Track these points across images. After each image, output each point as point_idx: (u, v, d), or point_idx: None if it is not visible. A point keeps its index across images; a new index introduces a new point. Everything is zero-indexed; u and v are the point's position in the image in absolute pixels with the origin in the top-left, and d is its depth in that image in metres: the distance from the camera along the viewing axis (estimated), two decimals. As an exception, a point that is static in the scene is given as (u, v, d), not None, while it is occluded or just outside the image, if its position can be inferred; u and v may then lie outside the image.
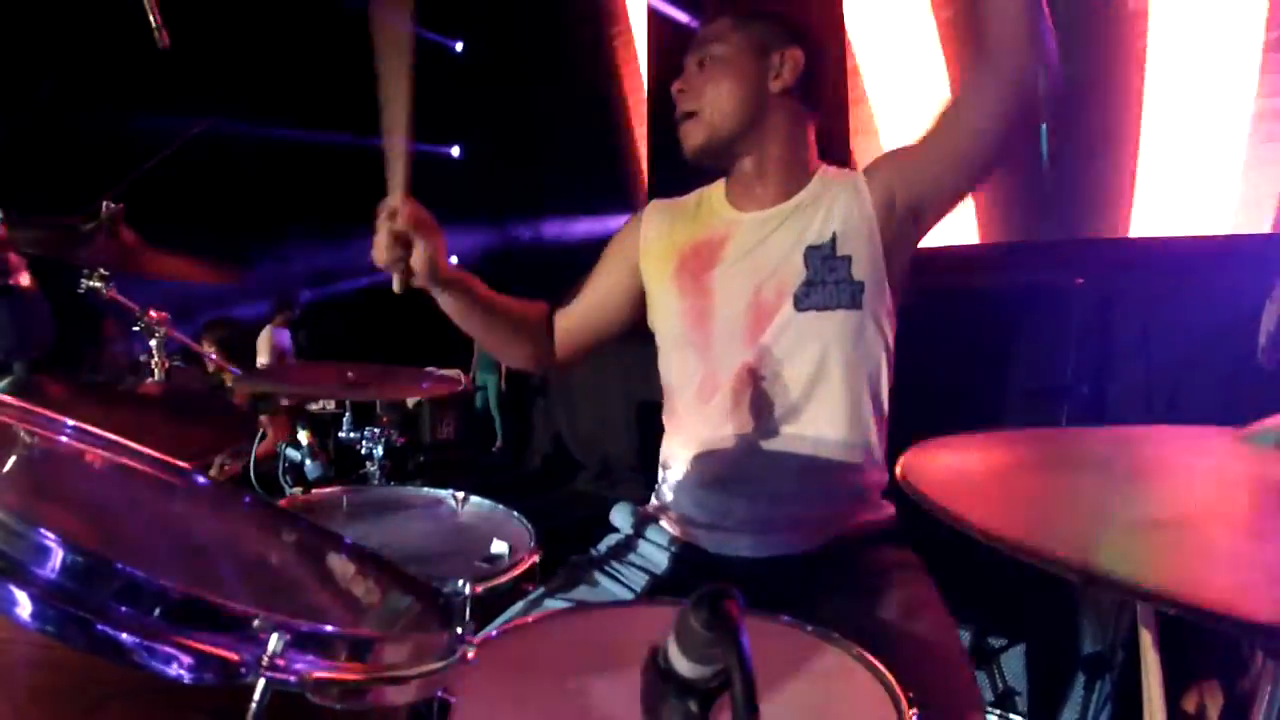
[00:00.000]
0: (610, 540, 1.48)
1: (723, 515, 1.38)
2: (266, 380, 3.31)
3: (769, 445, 1.37)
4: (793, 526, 1.36)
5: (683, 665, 0.61)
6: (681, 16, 4.80)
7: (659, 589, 1.36)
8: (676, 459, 1.46)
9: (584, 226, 6.42)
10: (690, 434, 1.43)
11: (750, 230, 1.42)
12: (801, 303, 1.34)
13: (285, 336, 6.06)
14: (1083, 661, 2.28)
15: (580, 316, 1.56)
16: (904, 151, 1.38)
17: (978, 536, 0.52)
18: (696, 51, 1.43)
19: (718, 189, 1.52)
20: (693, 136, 1.42)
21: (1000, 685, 2.29)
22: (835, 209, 1.38)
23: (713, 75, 1.40)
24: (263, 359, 5.77)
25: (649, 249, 1.51)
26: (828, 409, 1.35)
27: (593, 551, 1.46)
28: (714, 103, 1.40)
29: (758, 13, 1.44)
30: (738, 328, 1.38)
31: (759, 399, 1.37)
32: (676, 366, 1.47)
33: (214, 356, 2.99)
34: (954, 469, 0.75)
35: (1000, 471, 0.76)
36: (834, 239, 1.35)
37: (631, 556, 1.42)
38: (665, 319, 1.48)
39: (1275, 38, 2.61)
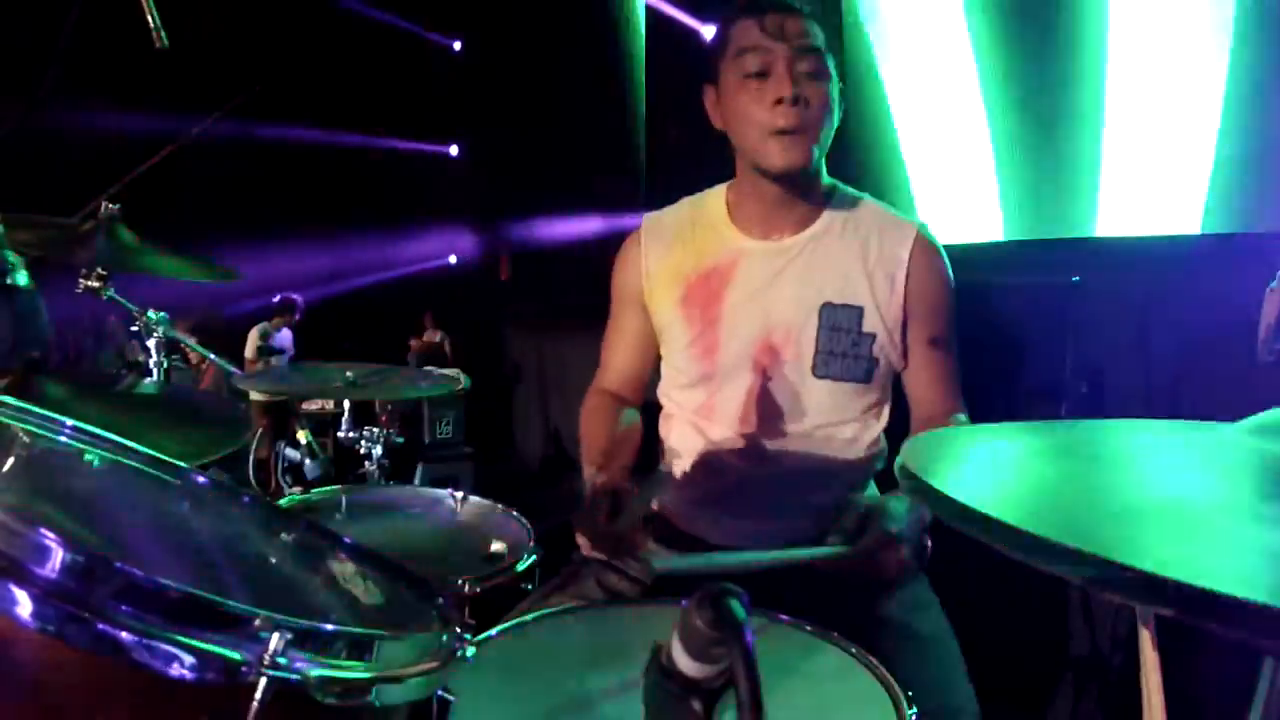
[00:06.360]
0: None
1: (722, 514, 1.41)
2: (267, 380, 3.31)
3: (766, 470, 1.39)
4: (790, 533, 1.37)
5: (686, 664, 0.61)
6: (681, 15, 4.80)
7: (663, 583, 1.36)
8: (676, 465, 1.46)
9: (584, 225, 6.42)
10: (688, 449, 1.44)
11: (760, 263, 1.38)
12: (819, 370, 1.35)
13: (288, 337, 6.14)
14: (1079, 661, 2.28)
15: (630, 373, 1.53)
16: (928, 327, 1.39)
17: (980, 532, 0.52)
18: (804, 58, 1.26)
19: (716, 204, 1.44)
20: (800, 154, 1.28)
21: (995, 685, 2.29)
22: (865, 267, 1.35)
23: (827, 96, 1.28)
24: (248, 353, 5.89)
25: (652, 278, 1.45)
26: (827, 447, 1.38)
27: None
28: (826, 126, 1.30)
29: (831, 26, 1.33)
30: (744, 366, 1.37)
31: (760, 434, 1.38)
32: (680, 391, 1.46)
33: (195, 346, 2.94)
34: (952, 462, 0.75)
35: (1000, 463, 0.76)
36: (862, 313, 1.34)
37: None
38: (672, 349, 1.45)
39: None
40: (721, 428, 1.40)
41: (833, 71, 1.30)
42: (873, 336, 1.34)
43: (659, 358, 1.51)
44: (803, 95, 1.25)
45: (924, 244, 1.38)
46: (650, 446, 1.58)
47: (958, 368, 1.43)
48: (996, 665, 2.30)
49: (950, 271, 1.42)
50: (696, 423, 1.43)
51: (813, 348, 1.34)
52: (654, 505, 1.50)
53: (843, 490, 1.40)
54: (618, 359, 1.53)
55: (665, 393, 1.50)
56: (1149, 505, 0.60)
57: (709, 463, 1.41)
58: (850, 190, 1.43)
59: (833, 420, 1.37)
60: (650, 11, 4.99)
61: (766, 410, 1.37)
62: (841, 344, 1.34)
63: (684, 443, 1.45)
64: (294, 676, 0.58)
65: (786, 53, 1.26)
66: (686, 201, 1.50)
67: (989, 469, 0.71)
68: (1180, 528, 0.54)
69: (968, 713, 1.18)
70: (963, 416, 1.42)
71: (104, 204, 1.87)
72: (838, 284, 1.35)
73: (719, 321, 1.38)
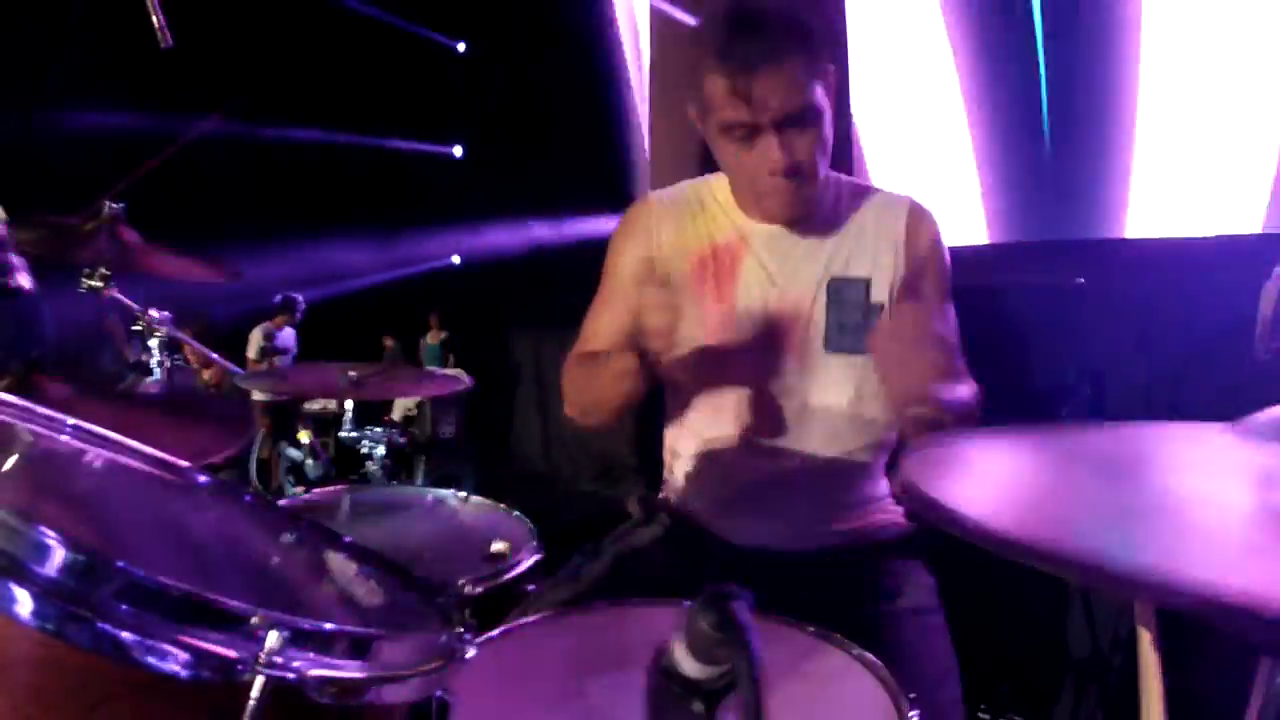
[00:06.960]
0: (624, 526, 1.48)
1: (730, 511, 1.40)
2: (269, 380, 3.31)
3: (777, 456, 1.37)
4: (800, 529, 1.37)
5: (689, 665, 0.61)
6: (684, 16, 4.80)
7: (669, 576, 1.36)
8: (683, 453, 1.46)
9: (584, 226, 6.42)
10: (696, 432, 1.43)
11: (767, 243, 1.39)
12: (832, 343, 1.35)
13: (290, 337, 6.15)
14: (1079, 662, 2.28)
15: (618, 344, 1.38)
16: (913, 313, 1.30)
17: (976, 538, 0.52)
18: (790, 114, 1.22)
19: (721, 189, 1.44)
20: (800, 205, 1.32)
21: (995, 686, 2.29)
22: (865, 242, 1.37)
23: (816, 137, 1.27)
24: (251, 354, 5.89)
25: (665, 246, 1.43)
26: (840, 430, 1.37)
27: (605, 540, 1.46)
28: (820, 159, 1.30)
29: (815, 45, 1.24)
30: (757, 346, 1.36)
31: (772, 414, 1.37)
32: (685, 365, 1.41)
33: (197, 348, 2.93)
34: (951, 468, 0.75)
35: (999, 470, 0.76)
36: (869, 284, 1.34)
37: (643, 542, 1.42)
38: (681, 330, 1.37)
39: None
40: (735, 413, 1.38)
41: (822, 105, 1.25)
42: (880, 306, 1.35)
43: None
44: (792, 153, 1.24)
45: (917, 212, 1.41)
46: (650, 448, 1.57)
47: (956, 331, 1.38)
48: (997, 665, 2.30)
49: (942, 235, 1.43)
50: (708, 407, 1.41)
51: (823, 323, 1.35)
52: (664, 492, 1.50)
53: (861, 476, 1.39)
54: (609, 329, 1.44)
55: (673, 377, 1.46)
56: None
57: (722, 452, 1.40)
58: (843, 177, 1.45)
59: (847, 397, 1.36)
60: (651, 10, 5.00)
61: (780, 390, 1.36)
62: (852, 316, 1.35)
63: (695, 429, 1.43)
64: (291, 675, 0.58)
65: (769, 120, 1.22)
66: (689, 184, 1.49)
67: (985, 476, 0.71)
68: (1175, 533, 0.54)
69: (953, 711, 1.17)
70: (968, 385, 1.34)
71: (106, 204, 1.88)
72: (843, 258, 1.37)
73: (732, 295, 1.38)
